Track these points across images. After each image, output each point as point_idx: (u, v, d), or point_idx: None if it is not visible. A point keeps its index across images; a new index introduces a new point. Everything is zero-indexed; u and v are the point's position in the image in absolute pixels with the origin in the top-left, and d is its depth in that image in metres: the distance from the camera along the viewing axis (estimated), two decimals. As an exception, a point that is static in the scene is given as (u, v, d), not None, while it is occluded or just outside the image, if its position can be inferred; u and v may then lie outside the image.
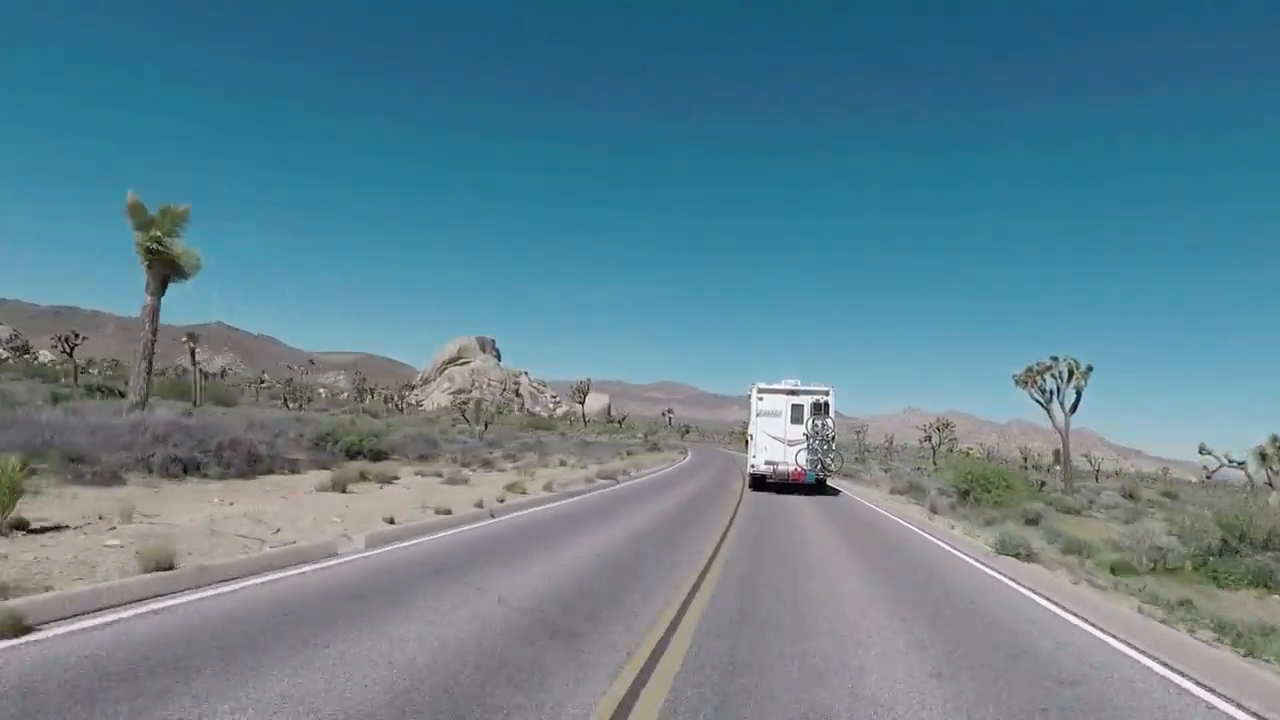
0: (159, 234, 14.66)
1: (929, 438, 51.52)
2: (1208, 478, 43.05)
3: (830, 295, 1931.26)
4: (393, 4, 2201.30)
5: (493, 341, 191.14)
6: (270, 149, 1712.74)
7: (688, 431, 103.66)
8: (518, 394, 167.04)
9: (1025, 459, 67.19)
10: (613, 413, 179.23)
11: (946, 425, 50.21)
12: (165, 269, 14.92)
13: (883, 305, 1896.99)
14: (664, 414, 78.86)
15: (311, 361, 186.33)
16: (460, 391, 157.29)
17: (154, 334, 15.07)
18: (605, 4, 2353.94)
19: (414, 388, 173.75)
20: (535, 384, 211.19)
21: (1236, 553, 10.00)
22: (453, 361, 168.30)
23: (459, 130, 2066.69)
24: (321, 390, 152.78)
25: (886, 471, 33.60)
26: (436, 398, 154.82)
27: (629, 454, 32.64)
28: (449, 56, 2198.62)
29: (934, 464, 49.83)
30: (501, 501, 12.75)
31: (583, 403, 51.74)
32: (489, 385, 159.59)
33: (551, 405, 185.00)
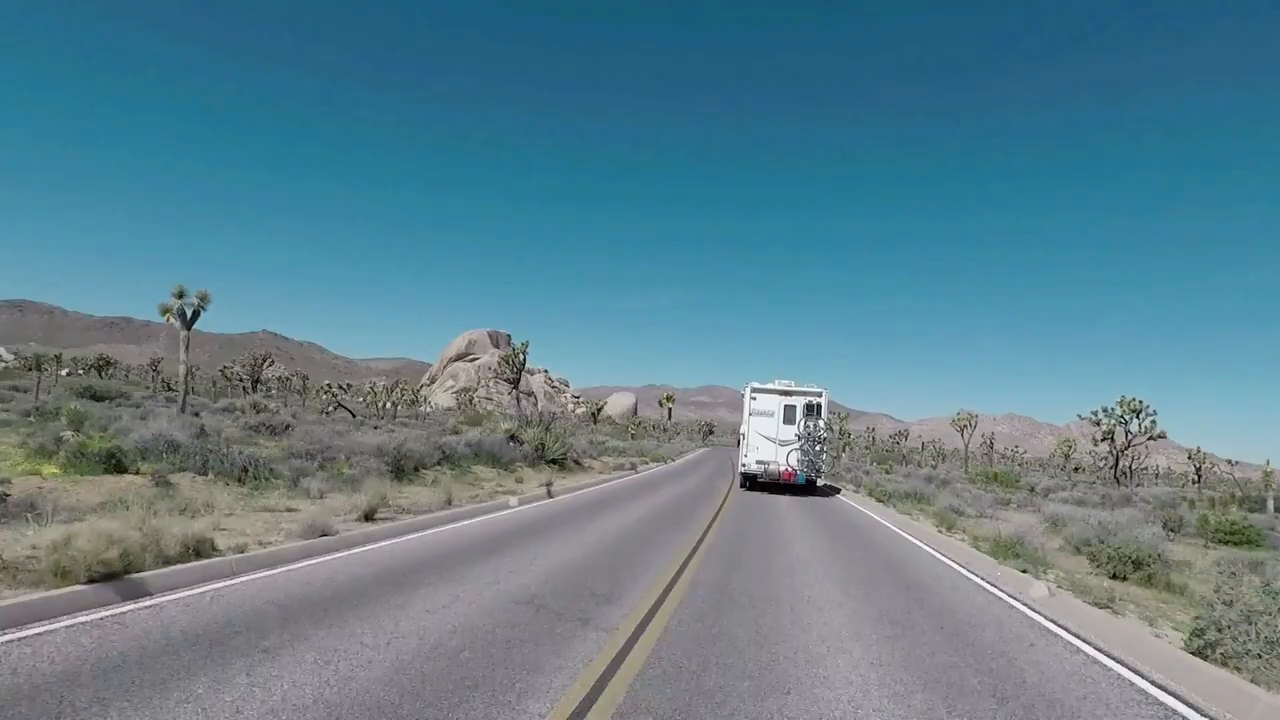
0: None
1: (1108, 439, 28.90)
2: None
3: (874, 299, 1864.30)
4: (410, 11, 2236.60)
5: (508, 336, 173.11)
6: (316, 160, 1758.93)
7: (710, 433, 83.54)
8: (530, 392, 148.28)
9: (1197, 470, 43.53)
10: (638, 414, 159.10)
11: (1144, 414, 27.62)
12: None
13: (931, 309, 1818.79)
14: (661, 403, 57.06)
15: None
16: (464, 390, 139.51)
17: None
18: (606, 8, 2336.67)
19: (424, 387, 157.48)
20: (558, 382, 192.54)
21: None
22: (461, 357, 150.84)
23: (502, 136, 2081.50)
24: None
25: None
26: (439, 397, 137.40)
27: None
28: (442, 60, 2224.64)
29: None
30: None
31: (515, 381, 31.55)
32: (495, 382, 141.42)
33: (571, 405, 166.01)
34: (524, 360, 33.69)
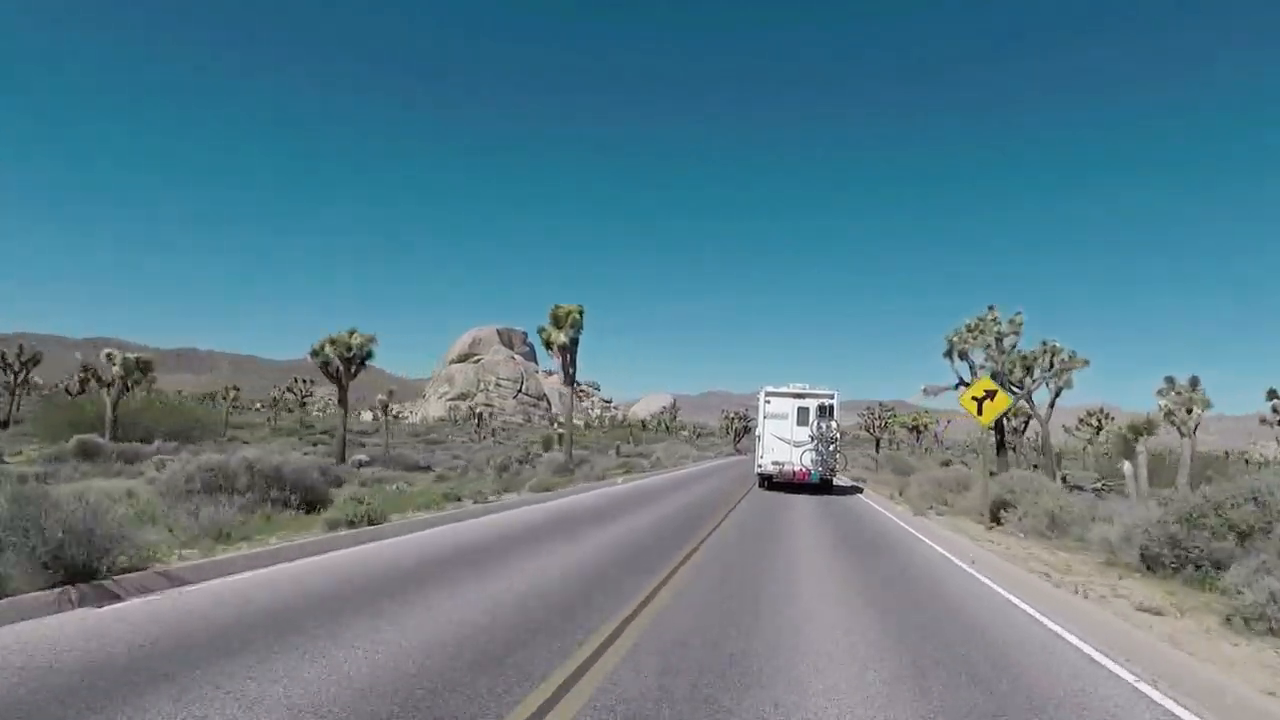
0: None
1: None
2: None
3: (926, 297, 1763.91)
4: (409, 10, 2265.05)
5: (523, 334, 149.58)
6: (337, 172, 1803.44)
7: (746, 431, 57.75)
8: (542, 396, 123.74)
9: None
10: (677, 416, 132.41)
11: None
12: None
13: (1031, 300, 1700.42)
14: (541, 342, 31.63)
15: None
16: (461, 396, 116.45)
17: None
18: (602, 8, 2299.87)
19: (426, 395, 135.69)
20: (586, 384, 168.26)
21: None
22: (464, 359, 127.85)
23: (551, 143, 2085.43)
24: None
25: None
26: (430, 407, 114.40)
27: None
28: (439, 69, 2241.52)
29: None
30: None
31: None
32: (497, 384, 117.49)
33: (597, 411, 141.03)
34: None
